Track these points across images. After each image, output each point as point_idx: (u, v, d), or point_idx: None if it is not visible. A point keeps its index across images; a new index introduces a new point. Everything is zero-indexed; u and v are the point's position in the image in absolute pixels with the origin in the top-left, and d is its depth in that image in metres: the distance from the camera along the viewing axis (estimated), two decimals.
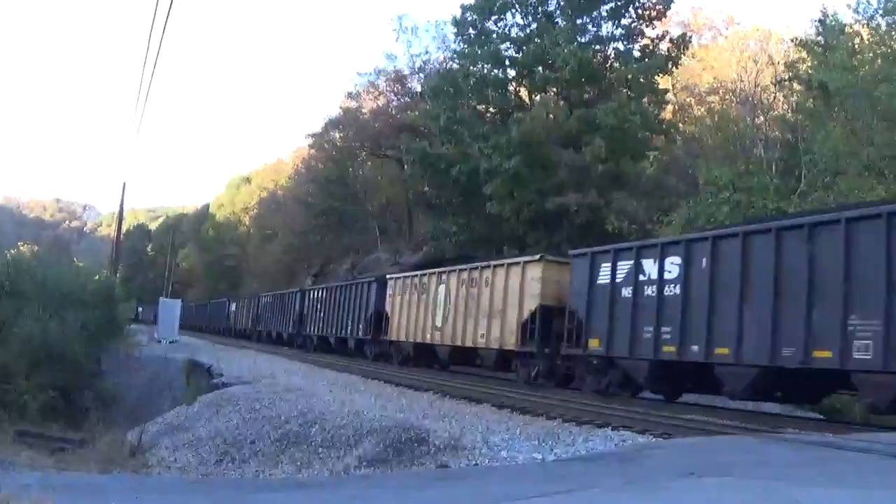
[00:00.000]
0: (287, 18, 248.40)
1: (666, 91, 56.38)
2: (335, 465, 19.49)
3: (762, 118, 49.15)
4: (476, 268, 37.24)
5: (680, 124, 58.81)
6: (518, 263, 33.88)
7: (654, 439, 18.94)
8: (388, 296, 46.00)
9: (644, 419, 21.84)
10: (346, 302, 53.57)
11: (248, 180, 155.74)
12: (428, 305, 40.91)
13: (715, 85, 58.09)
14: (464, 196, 55.72)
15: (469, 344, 36.78)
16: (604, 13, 54.41)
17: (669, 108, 59.59)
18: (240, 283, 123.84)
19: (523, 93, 58.07)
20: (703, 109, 58.93)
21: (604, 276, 28.03)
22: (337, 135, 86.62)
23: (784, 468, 12.95)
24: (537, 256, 32.92)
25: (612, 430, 20.70)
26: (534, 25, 55.02)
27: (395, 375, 37.82)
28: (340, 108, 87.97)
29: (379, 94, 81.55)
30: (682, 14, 73.18)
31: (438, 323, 39.73)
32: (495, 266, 35.41)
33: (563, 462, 16.07)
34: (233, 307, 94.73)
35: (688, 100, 63.86)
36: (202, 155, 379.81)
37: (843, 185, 34.29)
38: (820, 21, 44.20)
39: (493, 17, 56.71)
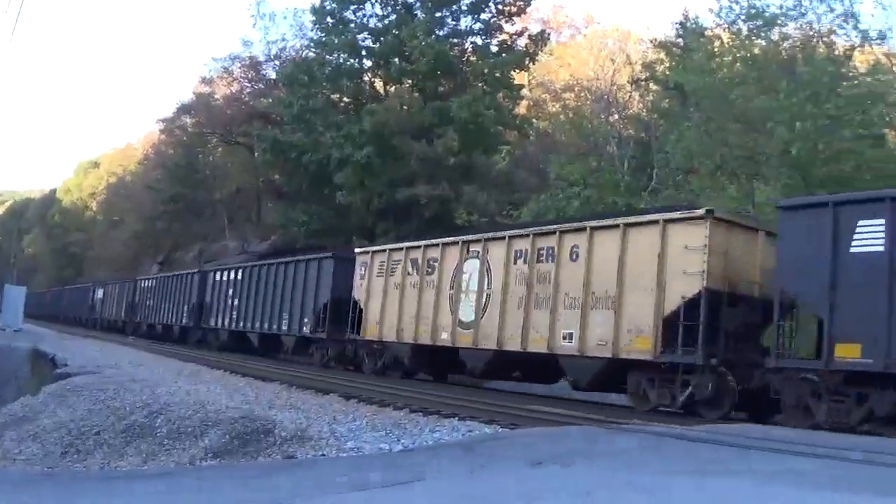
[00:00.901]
0: (137, 3, 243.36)
1: (521, 86, 55.92)
2: (181, 457, 18.57)
3: (616, 116, 50.06)
4: (551, 232, 25.66)
5: (534, 120, 58.63)
6: (652, 223, 22.67)
7: (500, 430, 18.84)
8: (358, 277, 33.99)
9: (491, 410, 21.72)
10: (281, 286, 41.23)
11: (96, 165, 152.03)
12: (441, 291, 29.58)
13: (571, 82, 58.92)
14: (314, 185, 54.75)
15: (537, 348, 25.06)
16: (463, 7, 53.87)
17: (524, 103, 59.54)
18: (85, 269, 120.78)
19: (378, 84, 57.30)
20: (557, 106, 59.49)
21: (866, 240, 17.93)
22: (188, 120, 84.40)
23: (627, 457, 13.28)
24: (700, 211, 21.87)
25: (458, 420, 20.49)
26: (393, 16, 54.11)
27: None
28: (194, 93, 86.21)
29: (233, 81, 79.41)
30: (542, 11, 73.43)
31: (466, 316, 28.24)
32: (597, 229, 23.99)
33: (410, 452, 15.97)
34: (99, 294, 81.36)
35: (543, 96, 64.08)
36: (50, 138, 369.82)
37: (695, 183, 34.98)
38: (681, 24, 44.75)
39: (353, 7, 55.52)
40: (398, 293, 31.88)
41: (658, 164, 40.84)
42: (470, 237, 29.52)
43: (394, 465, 13.57)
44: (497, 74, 51.83)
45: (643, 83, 49.37)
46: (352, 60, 56.12)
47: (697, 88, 35.82)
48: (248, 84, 78.36)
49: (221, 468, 16.18)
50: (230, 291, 48.34)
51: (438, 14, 53.49)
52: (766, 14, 35.59)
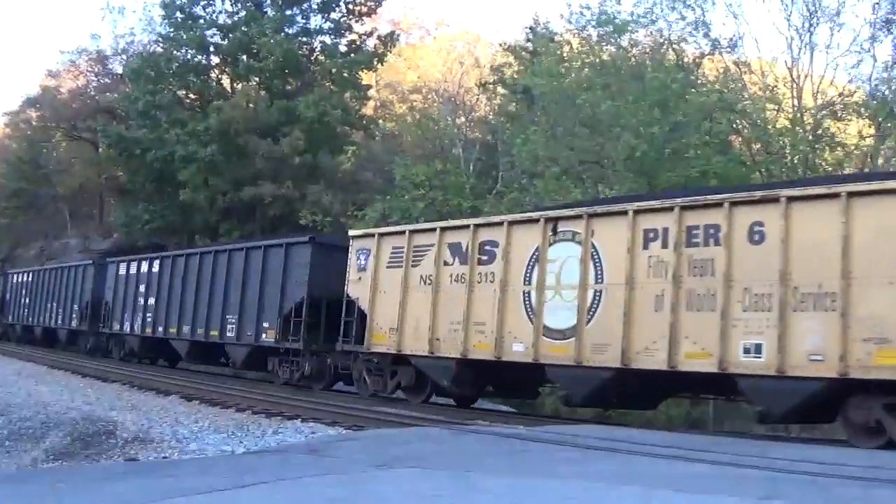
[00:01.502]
0: None
1: (369, 87, 55.69)
2: (22, 459, 17.79)
3: (463, 119, 49.44)
4: (714, 204, 17.79)
5: (381, 121, 57.99)
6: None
7: (345, 431, 19.18)
8: (354, 270, 25.27)
9: (334, 412, 21.93)
10: (224, 281, 31.75)
11: None
12: (508, 287, 21.18)
13: (419, 84, 58.35)
14: (158, 182, 53.19)
15: (699, 366, 17.54)
16: (314, 6, 53.16)
17: (371, 104, 59.02)
18: None
19: (226, 81, 56.18)
20: (404, 107, 58.85)
21: None
22: (33, 114, 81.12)
23: (472, 458, 12.93)
24: None
25: (301, 422, 20.97)
26: (242, 13, 52.75)
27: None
28: (40, 86, 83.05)
29: (79, 74, 76.87)
30: (392, 12, 72.66)
31: (558, 322, 20.02)
32: (800, 199, 16.63)
33: (253, 454, 15.70)
34: None
35: (390, 97, 63.54)
36: None
37: (540, 186, 34.50)
38: (531, 28, 45.15)
39: (202, 3, 54.24)
40: (429, 290, 23.02)
41: (504, 167, 40.92)
42: (560, 212, 21.19)
43: (238, 467, 12.97)
44: (345, 74, 51.12)
45: (491, 86, 49.45)
46: (200, 57, 54.74)
47: (545, 92, 35.51)
48: (94, 78, 75.85)
49: (62, 471, 15.35)
50: (141, 288, 37.11)
51: (288, 12, 52.53)
52: (617, 21, 35.58)
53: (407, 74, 63.78)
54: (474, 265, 22.10)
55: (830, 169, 32.91)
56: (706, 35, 35.46)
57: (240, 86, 52.61)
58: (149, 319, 36.40)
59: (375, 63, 52.80)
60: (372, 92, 57.50)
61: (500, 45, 49.86)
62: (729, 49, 35.49)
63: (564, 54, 38.46)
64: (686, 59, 36.73)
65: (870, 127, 34.06)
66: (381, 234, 25.21)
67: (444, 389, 23.67)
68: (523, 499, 9.23)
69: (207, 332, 32.15)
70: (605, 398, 20.97)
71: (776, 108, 34.39)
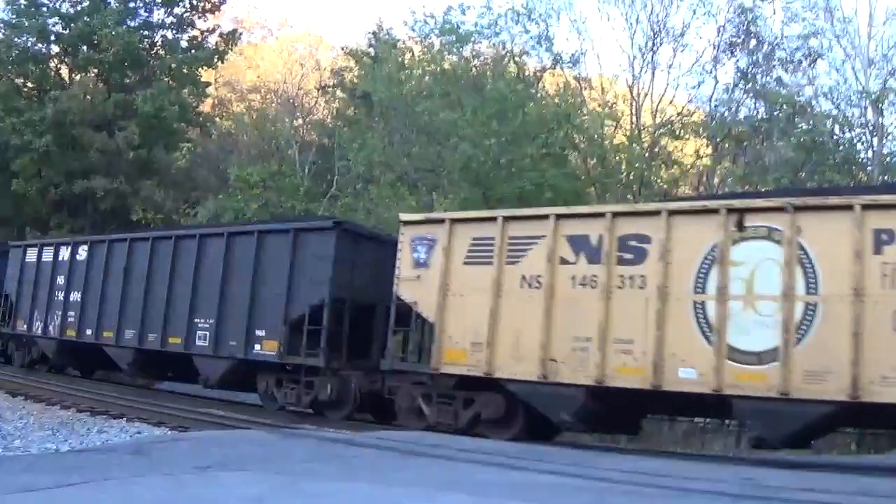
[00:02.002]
0: None
1: (208, 84, 53.86)
2: None
3: (301, 121, 49.40)
4: None
5: (218, 119, 56.93)
6: None
7: (170, 432, 18.81)
8: (409, 265, 19.36)
9: (160, 412, 21.35)
10: (191, 274, 24.32)
11: None
12: (670, 295, 16.37)
13: (258, 84, 57.81)
14: None
15: None
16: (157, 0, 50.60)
17: (209, 101, 57.51)
18: None
19: (65, 71, 53.46)
20: (243, 106, 58.03)
21: None
22: None
23: (298, 463, 12.88)
24: None
25: (127, 422, 20.49)
26: (86, 3, 50.51)
27: None
28: None
29: None
30: (236, 10, 72.80)
31: (751, 343, 15.45)
32: None
33: (78, 453, 15.12)
34: None
35: (229, 95, 62.34)
36: None
37: (375, 192, 34.06)
38: (374, 34, 45.84)
39: None
40: (538, 295, 17.54)
41: (339, 171, 40.45)
42: (749, 202, 16.77)
43: (63, 466, 12.27)
44: (184, 70, 49.62)
45: (330, 90, 49.53)
46: (40, 45, 52.03)
47: (384, 99, 35.27)
48: None
49: None
50: (60, 279, 29.20)
51: (132, 4, 50.57)
52: (461, 31, 35.55)
53: (247, 73, 62.95)
54: (612, 265, 17.16)
55: (665, 186, 33.56)
56: (549, 49, 36.04)
57: (78, 77, 50.53)
58: (70, 320, 28.18)
59: (216, 61, 51.25)
60: (210, 89, 55.72)
61: (342, 48, 49.94)
62: (571, 64, 36.18)
63: (406, 61, 38.07)
64: (527, 72, 37.15)
65: (707, 146, 34.94)
66: (456, 221, 19.37)
67: (569, 423, 18.07)
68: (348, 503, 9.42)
69: (164, 338, 24.43)
70: (814, 438, 17.72)
71: (614, 124, 34.69)
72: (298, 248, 21.70)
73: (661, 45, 34.78)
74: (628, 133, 34.32)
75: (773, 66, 33.34)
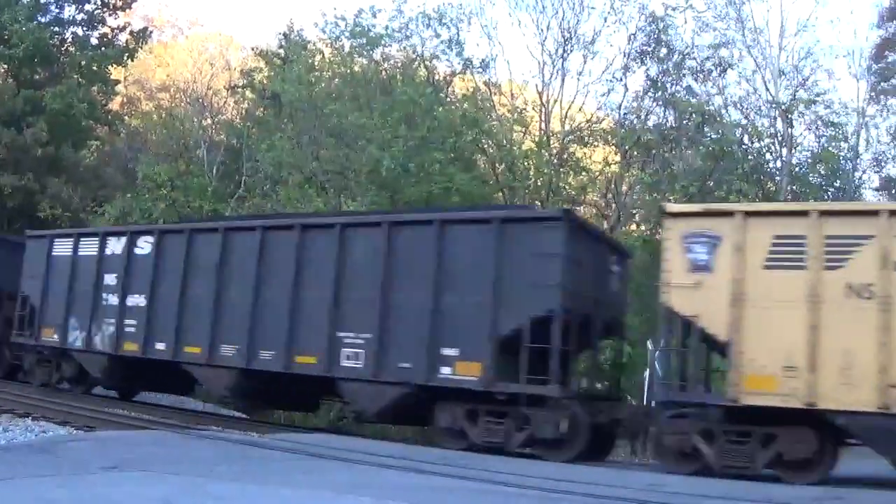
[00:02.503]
0: None
1: (117, 82, 53.29)
2: None
3: (210, 120, 48.63)
4: None
5: (126, 117, 56.15)
6: None
7: (76, 431, 18.24)
8: (698, 265, 15.85)
9: (66, 411, 20.57)
10: (332, 276, 19.41)
11: None
12: None
13: (168, 82, 57.28)
14: None
15: None
16: None
17: (118, 99, 56.90)
18: None
19: None
20: (152, 105, 57.50)
21: None
22: None
23: (205, 464, 12.52)
24: None
25: (32, 420, 19.82)
26: None
27: None
28: None
29: None
30: (147, 8, 71.24)
31: None
32: None
33: None
34: None
35: (138, 94, 61.83)
36: None
37: (283, 193, 34.02)
38: (284, 35, 46.05)
39: None
40: (869, 307, 14.78)
41: (247, 171, 40.19)
42: None
43: None
44: (94, 68, 48.80)
45: (240, 90, 49.03)
46: None
47: (294, 100, 34.95)
48: None
49: None
50: (110, 278, 23.79)
51: (43, 0, 49.48)
52: (371, 34, 35.26)
53: (156, 72, 62.48)
54: None
55: (574, 193, 33.83)
56: (459, 54, 35.64)
57: None
58: (130, 330, 22.89)
59: (126, 58, 50.37)
60: (120, 87, 55.35)
61: (252, 49, 49.79)
62: (480, 69, 35.78)
63: (316, 63, 38.02)
64: (437, 77, 36.90)
65: (616, 154, 34.95)
66: (751, 214, 15.99)
67: None
68: None
69: (288, 357, 19.59)
70: None
71: (523, 130, 34.92)
72: (507, 242, 17.56)
73: (571, 51, 34.61)
74: (537, 139, 34.25)
75: (683, 75, 33.35)
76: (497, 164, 33.64)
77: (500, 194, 32.52)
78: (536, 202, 31.56)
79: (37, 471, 11.02)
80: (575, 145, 34.28)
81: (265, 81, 43.28)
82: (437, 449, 16.40)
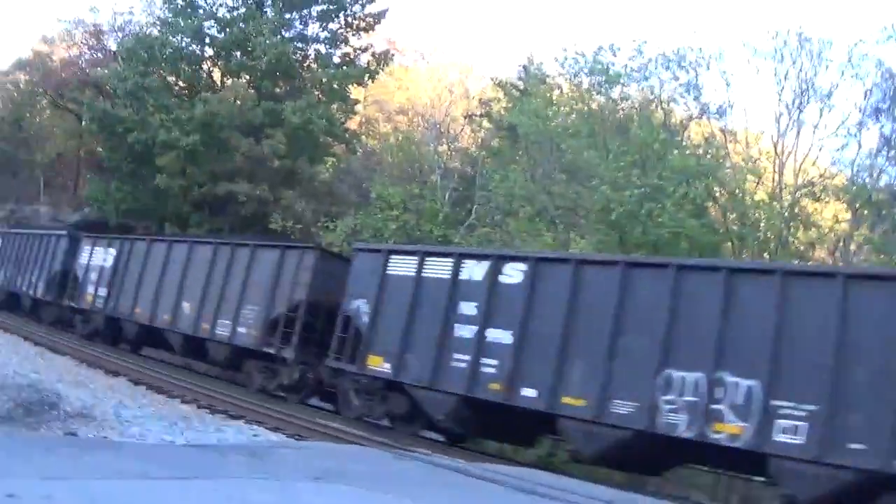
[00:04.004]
0: None
1: (357, 101, 55.07)
2: None
3: (445, 147, 49.22)
4: None
5: (364, 136, 58.01)
6: None
7: (286, 438, 18.89)
8: None
9: (277, 418, 21.29)
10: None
11: None
12: None
13: (406, 106, 58.59)
14: (136, 164, 52.10)
15: None
16: (314, 13, 52.47)
17: (357, 118, 58.72)
18: None
19: (216, 74, 55.43)
20: (389, 127, 58.86)
21: None
22: (22, 77, 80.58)
23: (410, 485, 12.70)
24: None
25: (245, 423, 20.60)
26: (242, 9, 52.03)
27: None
28: (32, 50, 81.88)
29: (73, 44, 75.73)
30: (390, 31, 71.64)
31: None
32: None
33: (194, 448, 14.91)
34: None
35: (376, 114, 63.34)
36: None
37: (513, 225, 34.58)
38: (524, 67, 45.75)
39: None
40: None
41: (479, 200, 40.65)
42: None
43: (176, 459, 12.49)
44: (335, 86, 50.68)
45: (477, 119, 49.94)
46: (194, 46, 53.87)
47: (530, 132, 35.52)
48: (87, 51, 74.70)
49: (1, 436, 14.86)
50: (467, 308, 20.58)
51: (288, 16, 51.98)
52: (610, 72, 35.47)
53: (395, 95, 63.70)
54: None
55: (802, 248, 32.94)
56: (696, 98, 35.51)
57: (230, 81, 52.19)
58: (491, 371, 19.72)
59: (366, 79, 52.28)
60: (359, 107, 57.13)
61: (492, 79, 50.18)
62: (717, 115, 35.44)
63: (554, 97, 38.38)
64: (673, 120, 36.74)
65: (846, 211, 34.01)
66: None
67: None
68: None
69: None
70: None
71: (756, 180, 34.07)
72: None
73: (808, 103, 33.86)
74: (769, 191, 33.91)
75: None
76: (728, 213, 32.99)
77: (730, 244, 32.10)
78: (765, 254, 31.12)
79: (245, 473, 11.38)
80: (807, 199, 33.44)
81: (502, 112, 43.70)
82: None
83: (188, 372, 29.49)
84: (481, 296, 20.25)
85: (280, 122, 46.55)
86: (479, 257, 21.25)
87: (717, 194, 33.18)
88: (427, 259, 21.90)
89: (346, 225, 40.26)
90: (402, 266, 22.40)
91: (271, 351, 25.18)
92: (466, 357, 19.97)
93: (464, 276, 20.83)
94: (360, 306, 22.68)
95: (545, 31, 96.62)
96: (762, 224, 32.15)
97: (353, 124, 56.42)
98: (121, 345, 33.17)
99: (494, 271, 20.25)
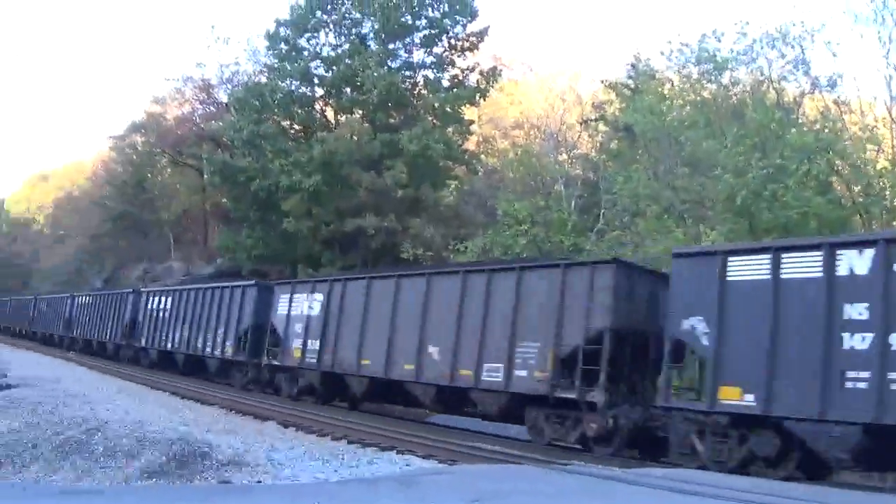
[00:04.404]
0: (91, 17, 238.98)
1: (471, 122, 55.58)
2: (116, 475, 17.18)
3: (565, 155, 49.55)
4: None
5: (483, 155, 58.43)
6: None
7: (438, 465, 18.77)
8: None
9: (429, 444, 21.12)
10: None
11: (45, 178, 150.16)
12: None
13: (520, 119, 58.62)
14: (261, 210, 53.62)
15: None
16: (417, 40, 53.43)
17: (474, 138, 59.15)
18: (31, 282, 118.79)
19: (329, 112, 56.70)
20: (506, 143, 59.29)
21: None
22: (139, 139, 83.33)
23: (568, 499, 12.93)
24: None
25: (396, 453, 20.36)
26: (346, 46, 53.34)
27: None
28: (145, 112, 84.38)
29: (185, 102, 77.84)
30: (494, 47, 72.02)
31: None
32: None
33: (346, 483, 15.41)
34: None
35: (492, 132, 63.86)
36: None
37: (642, 226, 34.38)
38: (632, 65, 45.54)
39: (306, 35, 54.98)
40: None
41: (605, 204, 40.69)
42: None
43: (329, 494, 13.13)
44: (448, 109, 51.47)
45: (592, 123, 49.84)
46: (304, 88, 55.34)
47: (647, 130, 35.67)
48: (199, 106, 76.83)
49: (156, 489, 15.48)
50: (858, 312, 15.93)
51: (391, 46, 52.97)
52: (717, 58, 35.57)
53: (509, 110, 64.13)
54: None
55: None
56: (806, 73, 35.36)
57: (343, 118, 53.27)
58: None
59: (478, 98, 52.93)
60: (474, 127, 57.59)
61: (602, 81, 50.08)
62: (829, 88, 35.10)
63: (665, 92, 38.44)
64: (786, 98, 36.56)
65: None
66: None
67: None
68: None
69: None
70: None
71: (876, 148, 33.59)
72: None
73: None
74: (890, 157, 33.59)
75: None
76: (852, 186, 32.74)
77: (858, 217, 31.68)
78: (894, 223, 30.40)
79: (398, 501, 11.65)
80: None
81: (617, 113, 43.89)
82: (804, 486, 15.00)
83: (334, 409, 29.53)
84: (872, 294, 16.03)
85: (398, 151, 47.54)
86: (859, 244, 16.75)
87: (839, 168, 32.69)
88: (784, 255, 17.64)
89: (476, 245, 40.72)
90: (747, 269, 18.27)
91: (571, 396, 20.88)
92: (865, 374, 15.69)
93: (841, 270, 16.62)
94: (696, 326, 18.73)
95: (648, 25, 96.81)
96: (887, 192, 31.75)
97: (470, 145, 57.19)
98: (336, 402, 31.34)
99: (886, 260, 16.03)
